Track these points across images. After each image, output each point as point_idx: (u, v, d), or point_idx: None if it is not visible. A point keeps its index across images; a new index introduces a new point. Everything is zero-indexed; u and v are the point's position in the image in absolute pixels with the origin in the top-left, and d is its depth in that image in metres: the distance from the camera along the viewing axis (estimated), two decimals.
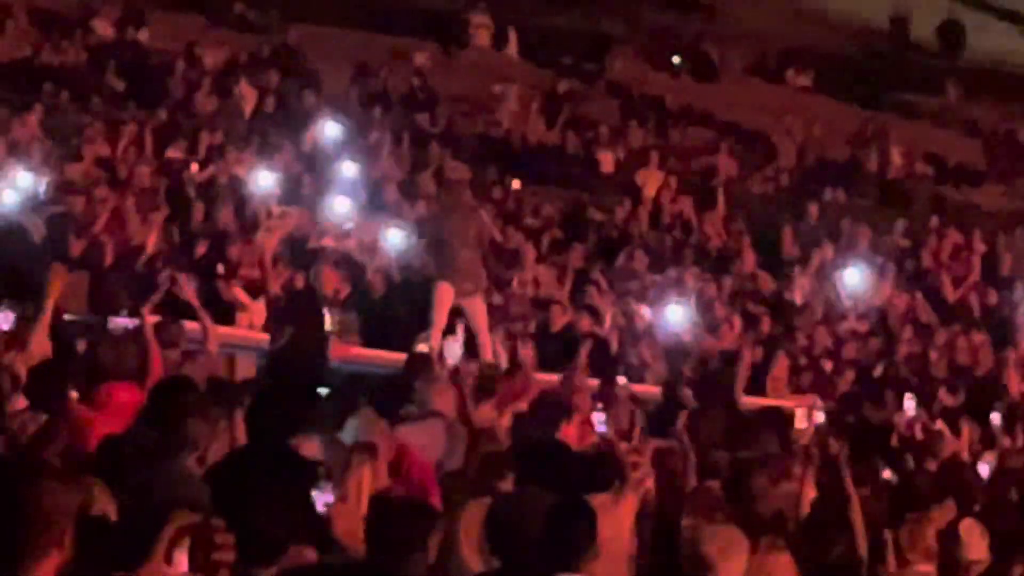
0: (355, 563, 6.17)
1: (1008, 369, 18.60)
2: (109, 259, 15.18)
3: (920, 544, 8.89)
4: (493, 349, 14.50)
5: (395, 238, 17.81)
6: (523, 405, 11.72)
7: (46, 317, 9.69)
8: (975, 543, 9.24)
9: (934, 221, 24.16)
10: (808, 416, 12.81)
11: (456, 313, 14.57)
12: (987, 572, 9.21)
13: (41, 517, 4.35)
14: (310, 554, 5.57)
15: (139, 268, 15.41)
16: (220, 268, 15.97)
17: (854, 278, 21.02)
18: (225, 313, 15.07)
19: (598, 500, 8.44)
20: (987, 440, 15.32)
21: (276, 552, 5.08)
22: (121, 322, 12.66)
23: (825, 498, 10.07)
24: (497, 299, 16.70)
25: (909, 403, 15.87)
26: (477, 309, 14.48)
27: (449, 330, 14.62)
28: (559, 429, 10.06)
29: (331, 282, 15.51)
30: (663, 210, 22.70)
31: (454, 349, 14.20)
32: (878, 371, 18.24)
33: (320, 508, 6.47)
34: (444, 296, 14.33)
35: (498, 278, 17.54)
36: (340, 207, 18.86)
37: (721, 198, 23.57)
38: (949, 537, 9.19)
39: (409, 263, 17.29)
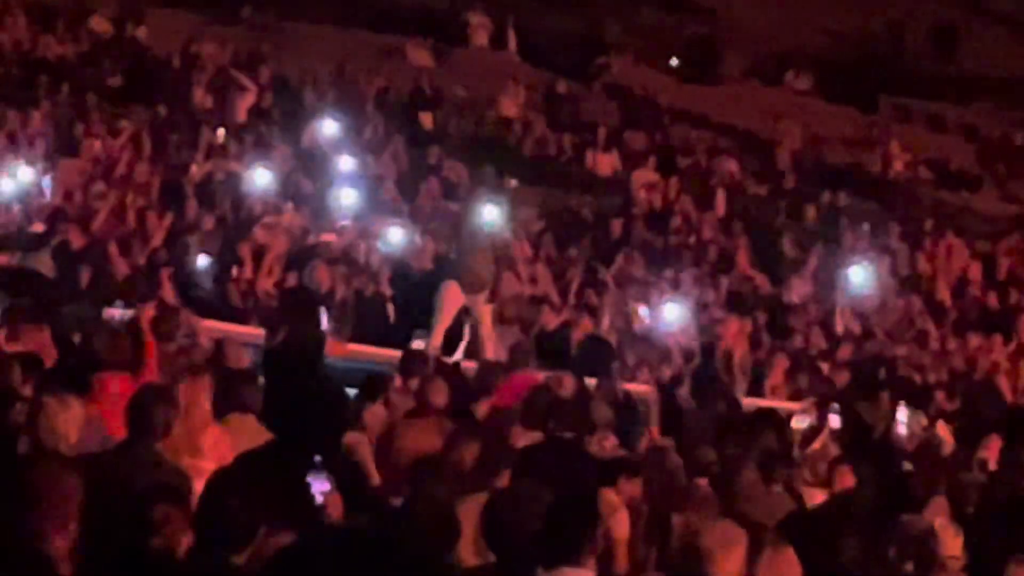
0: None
1: (1000, 373, 18.53)
2: (108, 254, 15.11)
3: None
4: (495, 348, 14.44)
5: (392, 236, 17.78)
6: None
7: None
8: (949, 540, 9.25)
9: (930, 225, 24.15)
10: (819, 418, 12.77)
11: (463, 313, 14.50)
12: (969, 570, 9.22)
13: (52, 500, 4.40)
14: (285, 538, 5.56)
15: (139, 264, 15.37)
16: (234, 271, 15.95)
17: (850, 280, 20.98)
18: (234, 311, 15.04)
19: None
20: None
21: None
22: (116, 313, 12.65)
23: (833, 499, 10.08)
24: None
25: (905, 407, 15.81)
26: (482, 309, 14.41)
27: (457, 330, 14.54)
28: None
29: (326, 280, 15.47)
30: (661, 212, 22.66)
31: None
32: (874, 374, 18.16)
33: (316, 496, 6.47)
34: (452, 296, 14.23)
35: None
36: (336, 205, 18.83)
37: (719, 200, 23.53)
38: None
39: (406, 261, 17.27)
